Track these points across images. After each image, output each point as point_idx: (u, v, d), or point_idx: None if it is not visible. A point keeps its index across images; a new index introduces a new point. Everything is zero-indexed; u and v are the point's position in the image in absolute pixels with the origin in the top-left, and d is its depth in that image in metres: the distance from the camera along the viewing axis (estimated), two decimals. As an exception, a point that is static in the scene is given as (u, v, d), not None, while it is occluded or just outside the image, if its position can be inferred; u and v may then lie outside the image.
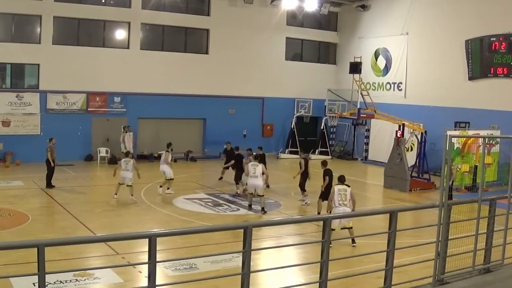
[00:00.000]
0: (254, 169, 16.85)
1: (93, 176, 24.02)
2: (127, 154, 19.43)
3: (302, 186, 18.52)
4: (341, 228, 12.92)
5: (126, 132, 26.57)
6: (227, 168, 21.22)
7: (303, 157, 18.97)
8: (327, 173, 16.48)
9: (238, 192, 19.81)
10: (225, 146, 22.67)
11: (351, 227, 13.02)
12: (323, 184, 16.35)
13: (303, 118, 32.17)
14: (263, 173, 16.97)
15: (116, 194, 18.19)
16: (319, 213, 16.19)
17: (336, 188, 13.49)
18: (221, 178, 22.24)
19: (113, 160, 26.29)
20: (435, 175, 23.00)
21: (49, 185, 19.57)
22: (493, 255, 8.93)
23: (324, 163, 16.88)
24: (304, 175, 18.45)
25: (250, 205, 17.36)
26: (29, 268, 6.27)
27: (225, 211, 17.45)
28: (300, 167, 18.44)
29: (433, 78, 27.40)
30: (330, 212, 13.41)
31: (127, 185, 18.09)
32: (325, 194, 15.69)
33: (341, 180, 13.76)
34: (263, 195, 17.00)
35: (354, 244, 13.12)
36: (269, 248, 11.79)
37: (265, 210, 17.06)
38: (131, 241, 11.64)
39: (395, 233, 7.70)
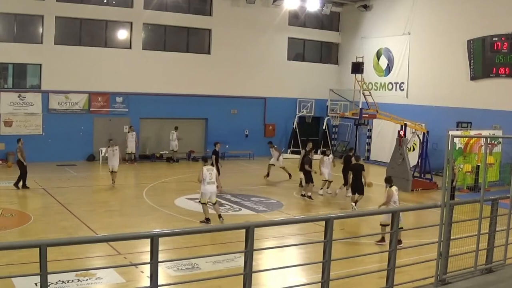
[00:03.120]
0: (210, 174, 15.24)
1: (95, 176, 24.02)
2: (109, 141, 21.17)
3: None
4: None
5: (129, 132, 26.63)
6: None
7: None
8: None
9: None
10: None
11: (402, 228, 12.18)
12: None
13: (305, 118, 32.17)
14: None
15: (113, 181, 20.22)
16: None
17: (394, 189, 13.95)
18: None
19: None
20: (437, 175, 22.99)
21: (24, 186, 19.43)
22: (495, 255, 8.92)
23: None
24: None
25: (209, 218, 15.36)
26: (31, 268, 6.27)
27: (227, 211, 17.44)
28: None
29: (435, 78, 27.38)
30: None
31: (114, 171, 20.15)
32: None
33: (391, 181, 14.43)
34: (216, 202, 15.53)
35: (401, 245, 11.77)
36: (271, 248, 11.78)
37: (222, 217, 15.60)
38: (133, 241, 11.66)
39: (397, 233, 7.70)
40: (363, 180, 17.82)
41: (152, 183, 21.46)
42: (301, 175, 20.52)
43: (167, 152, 28.13)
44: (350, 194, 18.69)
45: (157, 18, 28.10)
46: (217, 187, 15.60)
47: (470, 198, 9.43)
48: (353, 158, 19.35)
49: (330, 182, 20.44)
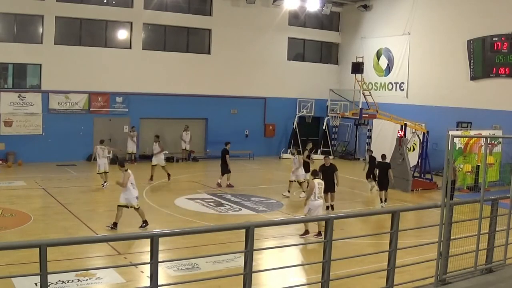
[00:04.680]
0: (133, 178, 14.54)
1: (95, 176, 23.93)
2: (101, 141, 20.83)
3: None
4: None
5: (131, 132, 26.67)
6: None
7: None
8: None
9: (219, 182, 21.19)
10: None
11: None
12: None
13: (305, 118, 32.17)
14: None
15: (106, 182, 20.02)
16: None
17: (316, 182, 14.13)
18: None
19: (115, 161, 26.30)
20: (437, 175, 22.99)
21: None
22: (495, 255, 8.92)
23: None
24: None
25: (116, 223, 14.23)
26: (31, 268, 6.27)
27: (227, 211, 17.45)
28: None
29: (435, 78, 27.38)
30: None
31: (105, 172, 20.00)
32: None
33: (317, 174, 14.70)
34: (139, 208, 14.61)
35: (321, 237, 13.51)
36: (271, 248, 11.79)
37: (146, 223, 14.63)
38: (133, 241, 11.68)
39: (397, 233, 7.70)
40: (388, 177, 19.03)
41: (152, 183, 21.45)
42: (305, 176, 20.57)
43: (167, 152, 28.04)
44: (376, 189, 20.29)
45: (157, 18, 28.09)
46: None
47: (470, 198, 9.42)
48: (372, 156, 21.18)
49: (300, 182, 19.82)
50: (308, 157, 20.94)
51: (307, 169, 19.80)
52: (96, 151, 20.48)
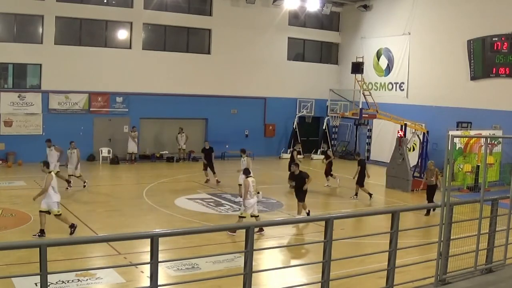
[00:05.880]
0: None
1: (95, 176, 24.00)
2: (70, 143, 20.29)
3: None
4: (251, 216, 14.19)
5: (132, 132, 26.69)
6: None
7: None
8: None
9: (208, 179, 21.80)
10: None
11: (258, 216, 14.46)
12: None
13: (305, 118, 32.18)
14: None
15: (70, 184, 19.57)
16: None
17: (250, 180, 14.34)
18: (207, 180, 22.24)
19: (115, 160, 26.38)
20: (437, 175, 22.98)
21: None
22: (495, 255, 8.92)
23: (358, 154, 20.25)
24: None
25: (43, 230, 13.43)
26: (31, 268, 6.29)
27: (227, 211, 17.45)
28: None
29: (435, 78, 27.38)
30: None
31: (77, 176, 19.66)
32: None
33: (249, 172, 14.89)
34: (60, 214, 13.76)
35: (262, 232, 14.19)
36: (271, 248, 11.80)
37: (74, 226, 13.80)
38: (133, 241, 11.67)
39: (397, 233, 7.70)
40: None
41: (152, 183, 21.46)
42: None
43: (167, 152, 28.15)
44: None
45: (157, 18, 28.09)
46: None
47: (470, 198, 9.43)
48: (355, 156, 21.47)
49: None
50: (295, 157, 21.03)
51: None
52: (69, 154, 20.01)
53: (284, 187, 20.59)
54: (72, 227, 13.68)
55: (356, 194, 19.94)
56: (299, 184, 16.52)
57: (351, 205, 19.11)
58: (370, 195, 19.87)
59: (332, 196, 20.96)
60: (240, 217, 14.31)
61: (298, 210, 16.54)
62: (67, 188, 19.33)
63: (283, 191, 20.50)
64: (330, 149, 23.17)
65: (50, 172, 13.72)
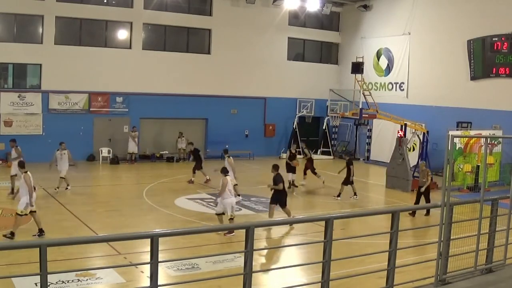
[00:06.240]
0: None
1: (95, 176, 24.04)
2: (61, 144, 19.44)
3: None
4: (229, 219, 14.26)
5: (132, 132, 26.69)
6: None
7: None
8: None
9: (192, 180, 21.67)
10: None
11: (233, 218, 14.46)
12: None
13: (305, 118, 32.18)
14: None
15: (58, 187, 18.84)
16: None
17: (228, 179, 14.47)
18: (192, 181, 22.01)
19: (115, 160, 26.38)
20: (437, 175, 22.98)
21: None
22: (495, 255, 8.91)
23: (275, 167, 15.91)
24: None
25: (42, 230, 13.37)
26: (31, 268, 6.28)
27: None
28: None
29: (435, 78, 27.38)
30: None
31: (61, 177, 18.86)
32: None
33: (227, 171, 14.98)
34: (22, 215, 13.26)
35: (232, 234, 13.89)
36: (271, 248, 11.79)
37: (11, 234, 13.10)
38: (133, 241, 11.66)
39: (397, 233, 7.70)
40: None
41: (152, 183, 21.46)
42: (290, 176, 20.80)
43: (167, 152, 28.15)
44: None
45: (157, 18, 28.09)
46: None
47: (470, 198, 9.42)
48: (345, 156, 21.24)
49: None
50: (292, 158, 21.00)
51: (291, 170, 20.77)
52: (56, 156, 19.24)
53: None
54: (40, 231, 13.21)
55: (339, 195, 19.65)
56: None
57: (351, 205, 19.10)
58: (355, 194, 19.68)
59: (318, 195, 20.75)
60: (217, 215, 14.59)
61: (270, 213, 15.57)
62: (67, 188, 19.24)
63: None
64: (306, 148, 23.05)
65: (26, 172, 13.40)
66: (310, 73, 32.48)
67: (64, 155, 19.06)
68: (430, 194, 17.53)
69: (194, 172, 21.84)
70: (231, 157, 19.53)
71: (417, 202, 17.47)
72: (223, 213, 14.50)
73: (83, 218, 15.39)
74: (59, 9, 25.52)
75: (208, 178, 21.81)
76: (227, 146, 22.60)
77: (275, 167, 15.70)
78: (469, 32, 25.57)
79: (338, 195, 19.61)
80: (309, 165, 22.17)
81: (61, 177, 18.96)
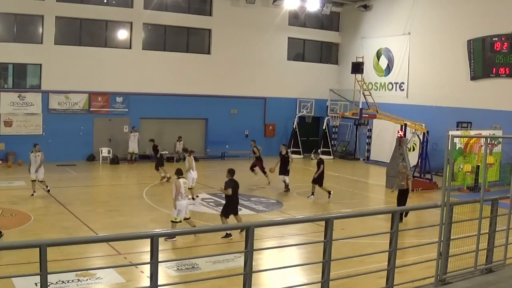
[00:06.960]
0: None
1: (95, 176, 24.04)
2: (35, 145, 18.66)
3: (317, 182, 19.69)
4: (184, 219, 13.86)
5: (132, 132, 26.69)
6: None
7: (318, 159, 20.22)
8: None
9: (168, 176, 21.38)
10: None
11: (189, 218, 14.15)
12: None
13: (305, 118, 32.18)
14: None
15: (35, 192, 18.17)
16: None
17: (181, 181, 13.92)
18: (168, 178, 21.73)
19: (115, 160, 26.39)
20: (437, 175, 23.00)
21: None
22: (495, 255, 8.91)
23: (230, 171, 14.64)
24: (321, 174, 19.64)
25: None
26: (31, 268, 6.28)
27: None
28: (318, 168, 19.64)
29: (435, 78, 27.38)
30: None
31: (40, 181, 18.29)
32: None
33: (182, 173, 14.39)
34: None
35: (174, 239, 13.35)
36: (271, 248, 11.78)
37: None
38: (133, 241, 11.67)
39: (397, 233, 7.70)
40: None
41: (152, 183, 21.47)
42: (284, 178, 20.65)
43: (167, 152, 28.12)
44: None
45: (157, 18, 28.09)
46: None
47: (470, 198, 9.42)
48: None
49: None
50: (285, 154, 20.89)
51: (285, 168, 20.50)
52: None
53: (282, 187, 20.56)
54: None
55: (313, 194, 19.61)
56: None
57: (351, 205, 19.09)
58: (329, 192, 19.45)
59: (318, 196, 20.73)
60: (172, 222, 13.62)
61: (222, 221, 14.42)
62: (32, 195, 18.16)
63: (283, 192, 20.48)
64: (255, 146, 22.99)
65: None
66: (310, 73, 32.48)
67: (38, 157, 18.25)
68: (407, 199, 16.36)
69: (157, 170, 21.97)
70: (191, 156, 19.30)
71: (401, 205, 16.19)
72: (180, 221, 13.75)
73: (83, 218, 15.39)
74: (59, 9, 25.52)
75: (167, 176, 21.59)
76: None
77: (230, 172, 14.47)
78: (469, 32, 25.57)
79: (312, 194, 19.59)
80: (258, 163, 22.25)
81: (40, 181, 18.30)
